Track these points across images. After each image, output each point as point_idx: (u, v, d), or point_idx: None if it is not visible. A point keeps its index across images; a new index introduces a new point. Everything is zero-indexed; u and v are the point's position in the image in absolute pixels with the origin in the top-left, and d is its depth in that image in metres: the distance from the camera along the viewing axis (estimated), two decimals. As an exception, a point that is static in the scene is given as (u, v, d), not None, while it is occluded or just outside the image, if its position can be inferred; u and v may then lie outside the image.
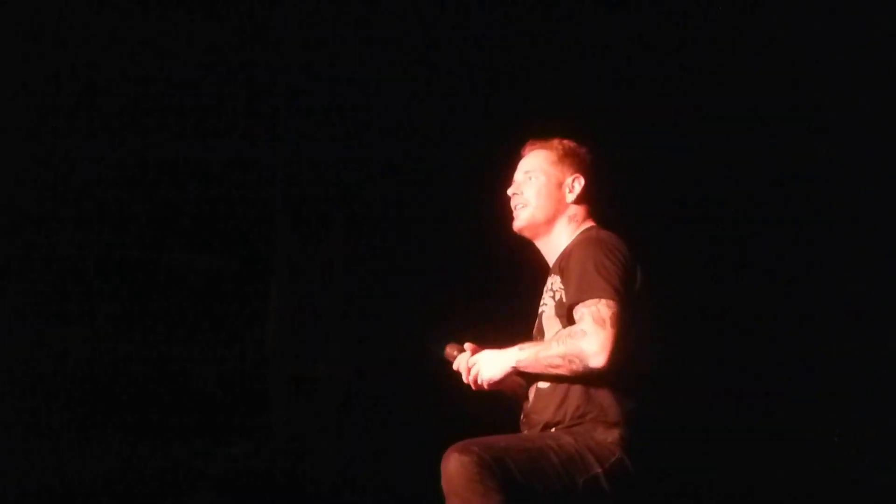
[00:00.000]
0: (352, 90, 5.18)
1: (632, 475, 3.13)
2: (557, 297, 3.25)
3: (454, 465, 3.00)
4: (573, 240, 3.33)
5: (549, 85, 4.79)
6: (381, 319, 5.12)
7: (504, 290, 3.87)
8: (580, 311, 3.12)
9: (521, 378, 3.33)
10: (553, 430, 3.19)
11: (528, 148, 3.48)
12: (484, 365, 3.22)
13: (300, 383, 5.60)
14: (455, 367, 3.31)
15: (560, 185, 3.38)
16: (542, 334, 3.32)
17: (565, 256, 3.26)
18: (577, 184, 3.38)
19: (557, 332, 3.21)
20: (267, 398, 5.47)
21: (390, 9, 4.89)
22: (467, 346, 3.35)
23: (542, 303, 3.34)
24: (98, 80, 4.89)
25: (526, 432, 3.26)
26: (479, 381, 3.24)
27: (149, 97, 5.00)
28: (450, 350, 3.37)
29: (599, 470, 3.11)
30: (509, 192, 3.43)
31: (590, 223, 3.38)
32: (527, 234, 3.41)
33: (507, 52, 4.89)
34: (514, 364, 3.19)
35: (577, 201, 3.38)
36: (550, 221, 3.37)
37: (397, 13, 4.89)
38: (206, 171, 5.21)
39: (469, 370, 3.26)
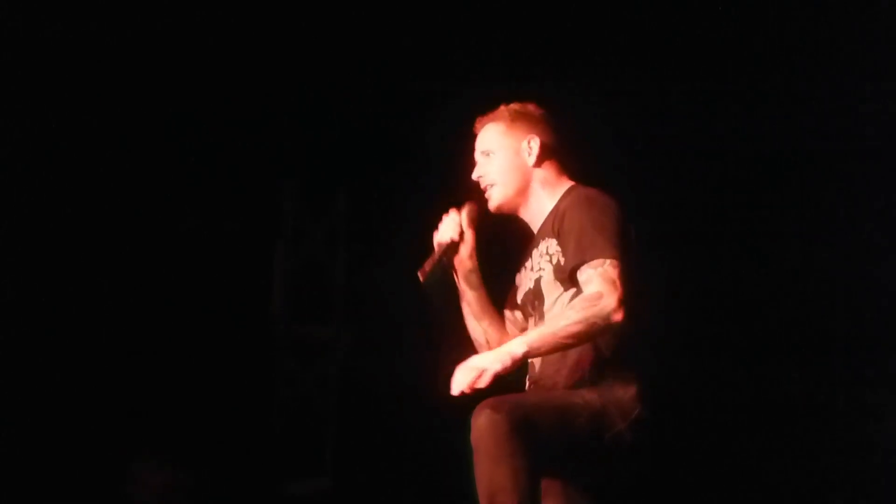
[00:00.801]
0: (357, 58, 5.19)
1: (652, 430, 3.13)
2: (556, 261, 3.20)
3: (485, 422, 2.93)
4: (560, 201, 3.27)
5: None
6: (385, 284, 5.14)
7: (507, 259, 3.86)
8: (587, 273, 3.09)
9: None
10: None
11: (477, 125, 3.38)
12: (489, 364, 3.00)
13: (304, 348, 5.64)
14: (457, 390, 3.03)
15: (518, 153, 3.30)
16: (538, 299, 3.26)
17: (558, 218, 3.20)
18: (534, 144, 3.29)
19: (558, 297, 3.19)
20: (271, 362, 5.51)
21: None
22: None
23: (534, 268, 3.28)
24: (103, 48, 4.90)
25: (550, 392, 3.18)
26: (484, 383, 2.99)
27: (158, 63, 5.00)
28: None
29: (623, 425, 3.09)
30: (474, 176, 3.34)
31: (566, 181, 3.31)
32: (505, 211, 3.34)
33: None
34: (523, 351, 3.01)
35: (540, 162, 3.30)
36: (523, 191, 3.30)
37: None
38: (213, 138, 5.23)
39: (469, 381, 2.99)
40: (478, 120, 3.39)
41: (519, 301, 3.38)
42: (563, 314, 3.06)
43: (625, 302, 3.02)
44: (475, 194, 3.35)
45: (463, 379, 2.99)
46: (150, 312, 5.10)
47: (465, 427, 2.99)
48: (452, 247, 3.33)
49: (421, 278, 3.29)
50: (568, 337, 3.03)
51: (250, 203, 5.40)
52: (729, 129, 4.78)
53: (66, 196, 4.95)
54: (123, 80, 4.99)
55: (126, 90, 5.00)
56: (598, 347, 3.14)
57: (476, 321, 3.40)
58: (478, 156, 3.36)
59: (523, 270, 3.37)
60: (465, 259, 3.36)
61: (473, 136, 3.39)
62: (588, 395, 3.11)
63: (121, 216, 5.06)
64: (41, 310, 4.90)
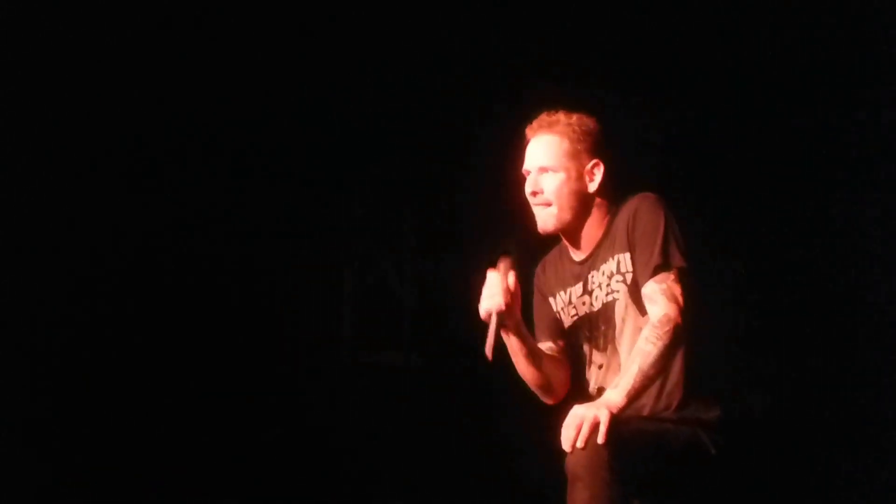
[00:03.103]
0: (420, 88, 5.19)
1: (742, 453, 3.12)
2: (630, 280, 3.15)
3: (586, 452, 2.90)
4: (618, 215, 3.20)
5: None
6: (454, 308, 5.11)
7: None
8: (650, 287, 3.07)
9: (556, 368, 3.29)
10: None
11: (534, 132, 3.27)
12: (594, 415, 2.92)
13: (374, 374, 5.62)
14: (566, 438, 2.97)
15: (580, 177, 3.21)
16: (606, 324, 3.22)
17: (629, 229, 3.13)
18: (598, 171, 3.21)
19: (633, 323, 3.14)
20: (342, 389, 5.50)
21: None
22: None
23: (597, 290, 3.23)
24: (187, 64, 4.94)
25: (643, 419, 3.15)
26: (602, 439, 2.90)
27: (229, 90, 5.04)
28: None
29: (713, 451, 3.08)
30: (527, 191, 3.24)
31: (620, 197, 3.24)
32: (553, 233, 3.26)
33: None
34: (624, 401, 2.96)
35: (601, 188, 3.22)
36: (579, 216, 3.22)
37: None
38: (282, 166, 5.25)
39: (584, 435, 2.92)
40: (530, 127, 3.29)
41: (567, 325, 3.32)
42: (640, 350, 3.02)
43: (687, 313, 3.00)
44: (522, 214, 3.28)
45: (571, 434, 2.93)
46: (223, 342, 5.11)
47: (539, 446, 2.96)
48: (504, 314, 3.18)
49: (489, 356, 3.14)
50: (656, 372, 3.01)
51: (318, 230, 5.40)
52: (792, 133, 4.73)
53: (143, 224, 5.00)
54: (192, 111, 5.03)
55: (197, 120, 5.04)
56: (680, 372, 3.12)
57: (536, 368, 3.31)
58: (531, 167, 3.25)
59: (567, 293, 3.31)
60: (514, 315, 3.23)
61: (523, 142, 3.30)
62: (678, 422, 3.09)
63: (194, 246, 5.09)
64: (120, 336, 4.94)
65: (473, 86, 5.09)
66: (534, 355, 3.29)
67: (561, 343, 3.36)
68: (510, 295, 3.18)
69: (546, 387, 3.32)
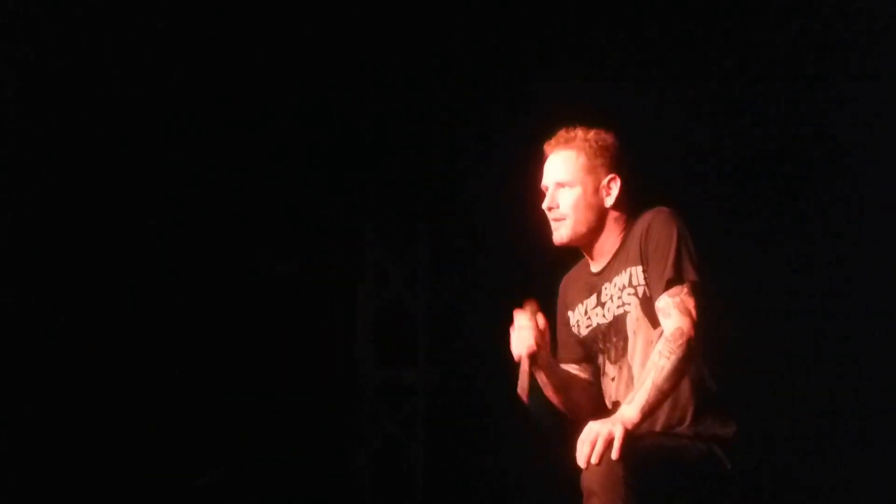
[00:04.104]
0: (432, 103, 5.20)
1: (758, 468, 3.12)
2: (642, 293, 3.15)
3: (602, 468, 2.88)
4: (633, 228, 3.20)
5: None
6: (469, 324, 5.12)
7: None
8: (664, 301, 3.06)
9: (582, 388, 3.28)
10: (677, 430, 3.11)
11: (552, 148, 3.27)
12: (610, 432, 2.91)
13: (389, 390, 5.62)
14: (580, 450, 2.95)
15: (596, 191, 3.21)
16: (619, 336, 3.21)
17: (642, 242, 3.13)
18: (614, 185, 3.22)
19: (645, 336, 3.14)
20: (357, 406, 5.50)
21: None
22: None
23: (609, 302, 3.22)
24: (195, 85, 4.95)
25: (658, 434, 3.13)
26: (616, 455, 2.90)
27: (241, 106, 5.05)
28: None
29: (729, 467, 3.06)
30: (545, 205, 3.24)
31: (637, 211, 3.23)
32: (569, 245, 3.26)
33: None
34: (639, 417, 2.95)
35: (617, 202, 3.23)
36: (594, 230, 3.22)
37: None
38: (294, 184, 5.26)
39: (598, 451, 2.91)
40: (549, 143, 3.29)
41: (582, 335, 3.31)
42: (654, 364, 3.00)
43: (700, 327, 3.00)
44: (544, 228, 3.28)
45: (586, 451, 2.91)
46: (237, 358, 5.12)
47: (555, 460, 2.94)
48: (535, 353, 3.17)
49: (524, 399, 3.14)
50: (670, 386, 3.00)
51: (332, 247, 5.41)
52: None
53: (155, 245, 5.01)
54: (203, 133, 5.04)
55: (209, 142, 5.05)
56: (696, 389, 3.10)
57: (566, 397, 3.29)
58: (549, 183, 3.27)
59: (583, 305, 3.30)
60: (545, 355, 3.22)
61: (541, 158, 3.30)
62: (694, 437, 3.08)
63: (207, 264, 5.10)
64: (132, 358, 4.94)
65: (489, 100, 5.09)
66: (563, 386, 3.30)
67: (586, 364, 3.35)
68: (540, 335, 3.19)
69: (575, 411, 3.31)
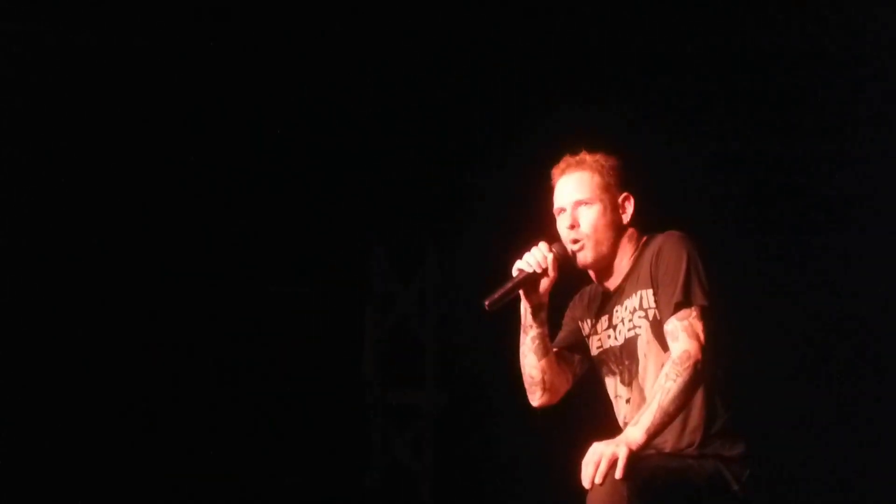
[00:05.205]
0: (441, 127, 5.22)
1: (765, 489, 3.10)
2: (652, 317, 3.17)
3: (606, 489, 2.90)
4: (643, 251, 3.24)
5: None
6: (476, 345, 5.12)
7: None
8: (672, 324, 3.08)
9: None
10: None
11: (562, 171, 3.31)
12: (613, 453, 2.92)
13: (397, 411, 5.62)
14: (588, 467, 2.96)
15: (615, 209, 3.25)
16: (630, 359, 3.23)
17: (652, 265, 3.16)
18: (629, 203, 3.26)
19: (655, 358, 3.16)
20: (364, 427, 5.50)
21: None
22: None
23: (620, 324, 3.24)
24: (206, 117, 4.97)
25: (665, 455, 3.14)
26: (620, 475, 2.91)
27: (254, 129, 5.07)
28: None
29: (736, 486, 3.07)
30: (565, 226, 3.27)
31: (644, 233, 3.28)
32: (592, 268, 3.30)
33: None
34: (644, 438, 2.96)
35: (631, 220, 3.27)
36: (613, 248, 3.26)
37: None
38: (302, 206, 5.27)
39: (602, 471, 2.91)
40: (557, 168, 3.32)
41: (594, 353, 3.34)
42: (661, 386, 3.02)
43: (707, 351, 3.01)
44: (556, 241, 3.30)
45: (590, 472, 2.92)
46: (245, 377, 5.12)
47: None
48: (532, 278, 3.24)
49: (487, 307, 3.20)
50: (676, 409, 3.01)
51: (340, 269, 5.42)
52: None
53: (169, 266, 5.02)
54: (214, 155, 5.06)
55: (220, 163, 5.07)
56: (703, 408, 3.11)
57: (536, 358, 3.34)
58: (565, 203, 3.28)
59: (594, 323, 3.32)
60: (541, 294, 3.29)
61: (549, 182, 3.34)
62: (699, 457, 3.08)
63: (216, 286, 5.11)
64: (142, 379, 4.95)
65: (496, 124, 5.10)
66: (541, 342, 3.33)
67: (576, 356, 3.39)
68: (547, 270, 3.23)
69: (538, 383, 3.35)
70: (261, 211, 5.23)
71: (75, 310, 4.90)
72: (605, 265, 3.29)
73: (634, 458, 2.93)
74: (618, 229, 3.26)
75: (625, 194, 3.27)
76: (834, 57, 4.63)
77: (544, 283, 3.30)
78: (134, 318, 4.98)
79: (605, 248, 3.25)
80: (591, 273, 3.34)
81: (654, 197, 3.36)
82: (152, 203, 5.04)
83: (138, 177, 4.99)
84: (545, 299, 3.31)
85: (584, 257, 3.26)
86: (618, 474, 2.89)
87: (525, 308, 3.32)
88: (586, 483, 2.93)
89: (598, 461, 2.91)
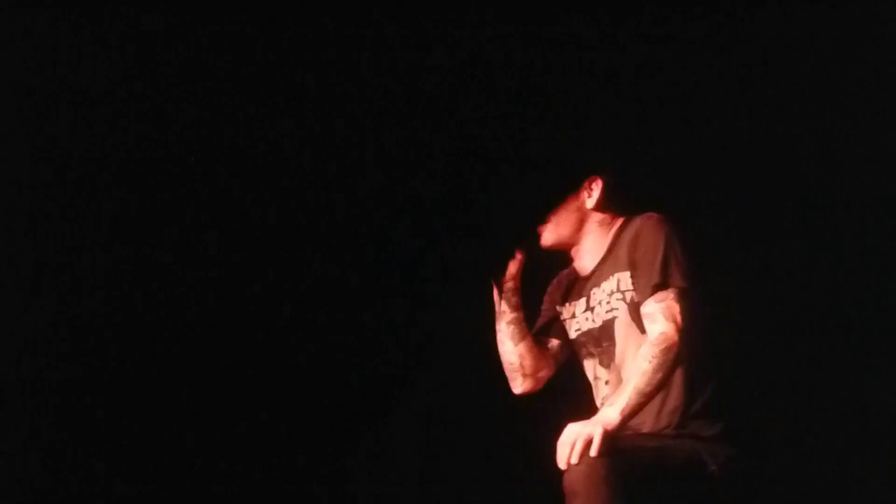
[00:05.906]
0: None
1: (743, 469, 3.12)
2: (629, 299, 3.19)
3: (582, 468, 2.92)
4: (620, 234, 3.26)
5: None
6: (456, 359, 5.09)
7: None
8: (650, 307, 3.10)
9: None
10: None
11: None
12: (589, 432, 2.95)
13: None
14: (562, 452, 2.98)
15: (577, 193, 3.30)
16: (608, 341, 3.25)
17: (630, 247, 3.19)
18: (595, 186, 3.29)
19: (633, 340, 3.16)
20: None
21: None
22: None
23: (598, 306, 3.27)
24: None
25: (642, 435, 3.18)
26: (595, 452, 2.93)
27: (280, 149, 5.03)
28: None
29: (714, 467, 3.08)
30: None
31: (623, 215, 3.30)
32: (556, 248, 3.35)
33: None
34: (620, 419, 2.99)
35: (600, 203, 3.30)
36: (576, 231, 3.31)
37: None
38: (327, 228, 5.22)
39: (577, 451, 2.94)
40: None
41: (573, 336, 3.35)
42: (638, 368, 3.04)
43: (685, 333, 3.03)
44: None
45: (566, 452, 2.95)
46: (253, 416, 5.09)
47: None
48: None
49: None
50: (652, 390, 3.04)
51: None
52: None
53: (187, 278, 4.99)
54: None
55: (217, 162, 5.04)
56: (680, 388, 3.13)
57: (513, 344, 3.39)
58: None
59: (572, 306, 3.35)
60: (510, 278, 3.35)
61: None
62: (679, 438, 3.10)
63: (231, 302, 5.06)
64: (161, 391, 4.93)
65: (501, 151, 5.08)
66: (517, 327, 3.38)
67: (556, 341, 3.43)
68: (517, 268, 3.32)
69: (517, 369, 3.40)
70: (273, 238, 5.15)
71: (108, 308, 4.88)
72: (570, 247, 3.34)
73: (610, 438, 2.95)
74: (577, 211, 3.28)
75: (591, 177, 3.28)
76: (825, 41, 4.63)
77: (513, 266, 3.32)
78: (139, 335, 4.95)
79: (564, 231, 3.29)
80: (571, 256, 3.36)
81: (632, 180, 3.37)
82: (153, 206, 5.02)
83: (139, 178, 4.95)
84: (516, 283, 3.34)
85: (545, 239, 3.32)
86: (592, 452, 2.92)
87: (497, 294, 3.34)
88: (562, 464, 2.95)
89: (574, 442, 2.93)
